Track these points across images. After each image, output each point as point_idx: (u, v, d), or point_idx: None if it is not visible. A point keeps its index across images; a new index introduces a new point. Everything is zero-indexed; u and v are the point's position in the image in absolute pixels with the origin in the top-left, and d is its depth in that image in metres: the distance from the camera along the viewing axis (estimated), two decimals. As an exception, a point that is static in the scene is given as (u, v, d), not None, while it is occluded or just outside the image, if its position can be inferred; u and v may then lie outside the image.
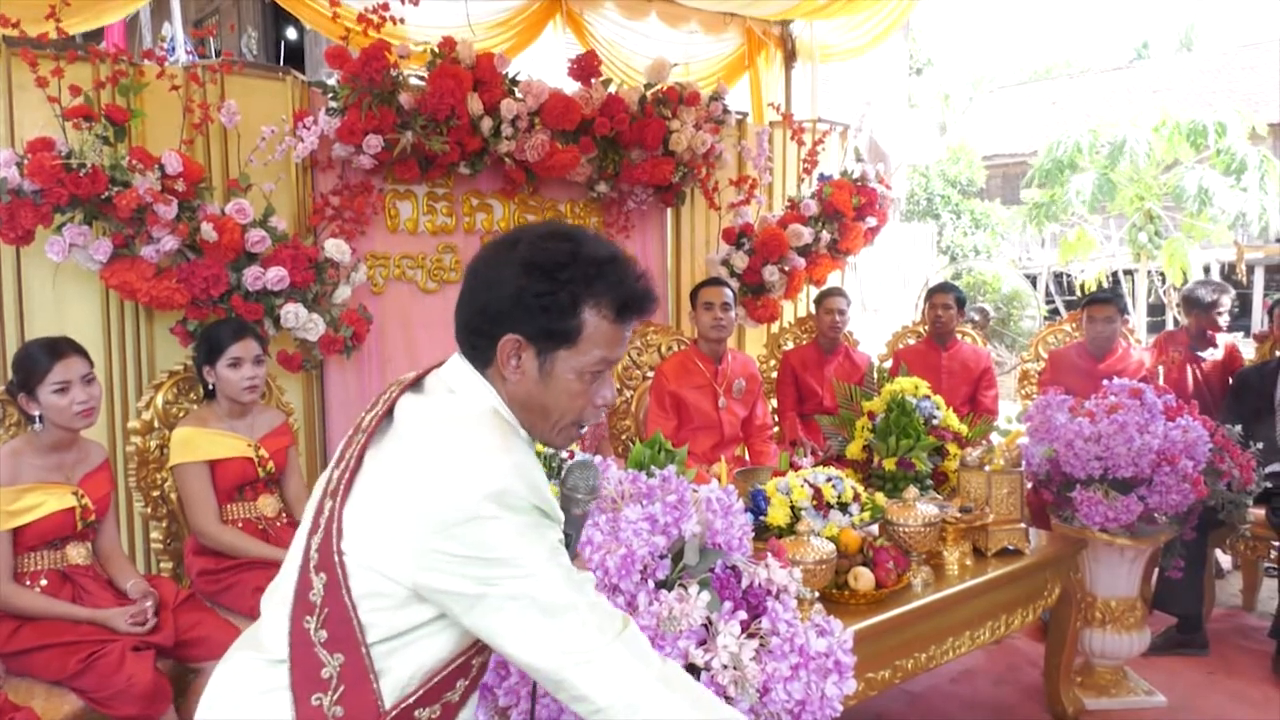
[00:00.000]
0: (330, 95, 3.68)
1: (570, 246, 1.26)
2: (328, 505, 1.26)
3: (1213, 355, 4.53)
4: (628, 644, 1.18)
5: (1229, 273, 12.86)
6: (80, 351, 2.49)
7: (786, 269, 4.82)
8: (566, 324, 1.24)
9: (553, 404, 1.28)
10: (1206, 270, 12.30)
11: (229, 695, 1.30)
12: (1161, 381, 4.48)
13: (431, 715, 1.28)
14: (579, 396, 1.29)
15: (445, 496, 1.15)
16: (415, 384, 1.35)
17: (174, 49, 5.23)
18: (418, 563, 1.17)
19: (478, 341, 1.28)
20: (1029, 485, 3.17)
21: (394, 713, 1.23)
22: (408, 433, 1.27)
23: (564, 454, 2.82)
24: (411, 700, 1.24)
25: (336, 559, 1.22)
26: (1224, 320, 4.54)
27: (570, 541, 1.36)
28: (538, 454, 2.78)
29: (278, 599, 1.29)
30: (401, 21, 3.64)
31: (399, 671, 1.23)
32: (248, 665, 1.30)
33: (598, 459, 2.02)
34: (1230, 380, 4.34)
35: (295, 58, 8.25)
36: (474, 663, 1.31)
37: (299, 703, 1.23)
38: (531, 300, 1.23)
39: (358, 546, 1.22)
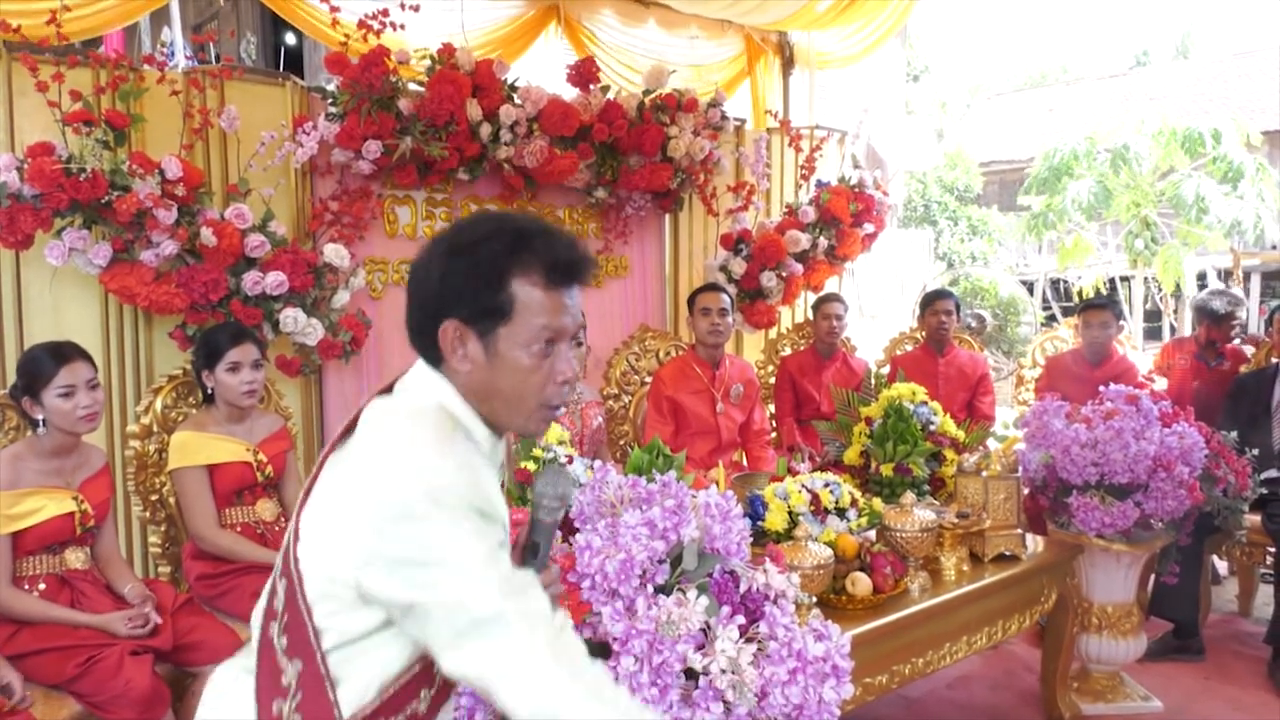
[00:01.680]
0: (330, 100, 3.69)
1: (491, 224, 1.25)
2: (294, 513, 1.26)
3: (1219, 364, 4.53)
4: (558, 655, 1.13)
5: (1225, 279, 12.90)
6: (85, 356, 2.49)
7: (784, 275, 4.84)
8: (496, 299, 1.21)
9: (508, 387, 1.24)
10: (1202, 276, 12.34)
11: (213, 701, 1.31)
12: (1165, 388, 4.49)
13: None
14: (533, 374, 1.24)
15: (380, 493, 1.13)
16: (388, 388, 1.33)
17: (173, 54, 5.23)
18: (356, 562, 1.14)
19: (424, 340, 1.25)
20: (1026, 491, 3.18)
21: None
22: (359, 434, 1.25)
23: (562, 457, 2.83)
24: (370, 711, 1.21)
25: (294, 564, 1.20)
26: (1236, 334, 4.56)
27: (539, 550, 1.32)
28: (535, 458, 2.80)
29: (259, 607, 1.29)
30: (402, 28, 3.66)
31: (355, 680, 1.21)
32: (230, 672, 1.31)
33: (597, 464, 2.03)
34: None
35: (294, 63, 8.25)
36: (435, 671, 1.25)
37: (261, 709, 1.22)
38: (457, 280, 1.21)
39: (310, 550, 1.20)
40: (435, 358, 1.26)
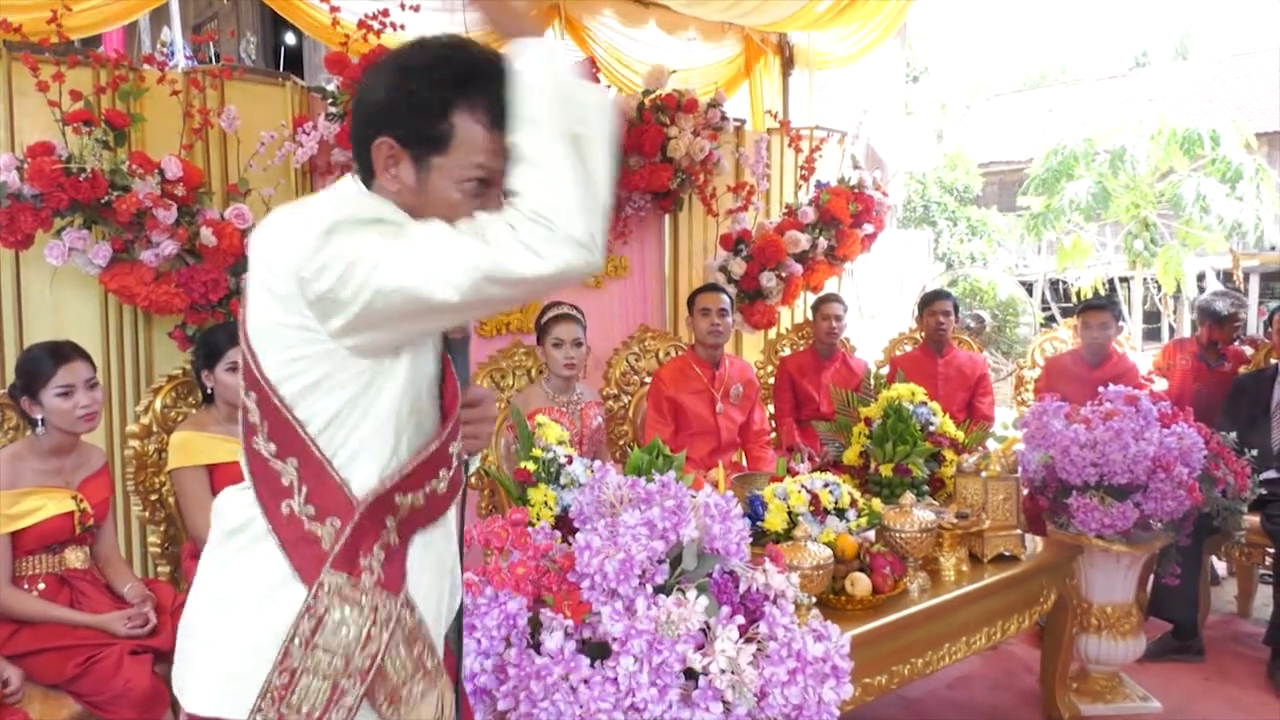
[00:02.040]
0: (330, 100, 3.69)
1: (448, 49, 1.22)
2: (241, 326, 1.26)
3: (1220, 365, 4.53)
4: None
5: (1225, 280, 12.92)
6: (84, 356, 2.49)
7: (784, 275, 4.84)
8: (437, 127, 1.19)
9: (433, 216, 1.20)
10: (1202, 277, 12.34)
11: (216, 520, 1.30)
12: (1165, 389, 4.50)
13: (415, 503, 1.26)
14: (460, 209, 1.20)
15: (292, 245, 1.14)
16: None
17: (173, 54, 5.23)
18: (298, 297, 1.14)
19: (359, 152, 1.24)
20: (1025, 491, 3.18)
21: (371, 500, 1.21)
22: None
23: (561, 458, 2.83)
24: (398, 481, 1.22)
25: (257, 373, 1.20)
26: (1237, 335, 4.55)
27: (457, 369, 1.31)
28: (535, 457, 2.80)
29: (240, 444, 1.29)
30: (402, 28, 3.66)
31: (361, 460, 1.21)
32: (212, 543, 1.30)
33: (597, 464, 2.03)
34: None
35: (294, 63, 8.25)
36: (450, 450, 1.28)
37: (269, 512, 1.22)
38: (401, 100, 1.19)
39: (261, 346, 1.20)
40: (367, 172, 1.25)
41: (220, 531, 1.28)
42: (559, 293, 4.37)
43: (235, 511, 1.26)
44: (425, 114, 1.19)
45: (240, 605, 1.23)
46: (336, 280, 1.11)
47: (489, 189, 1.24)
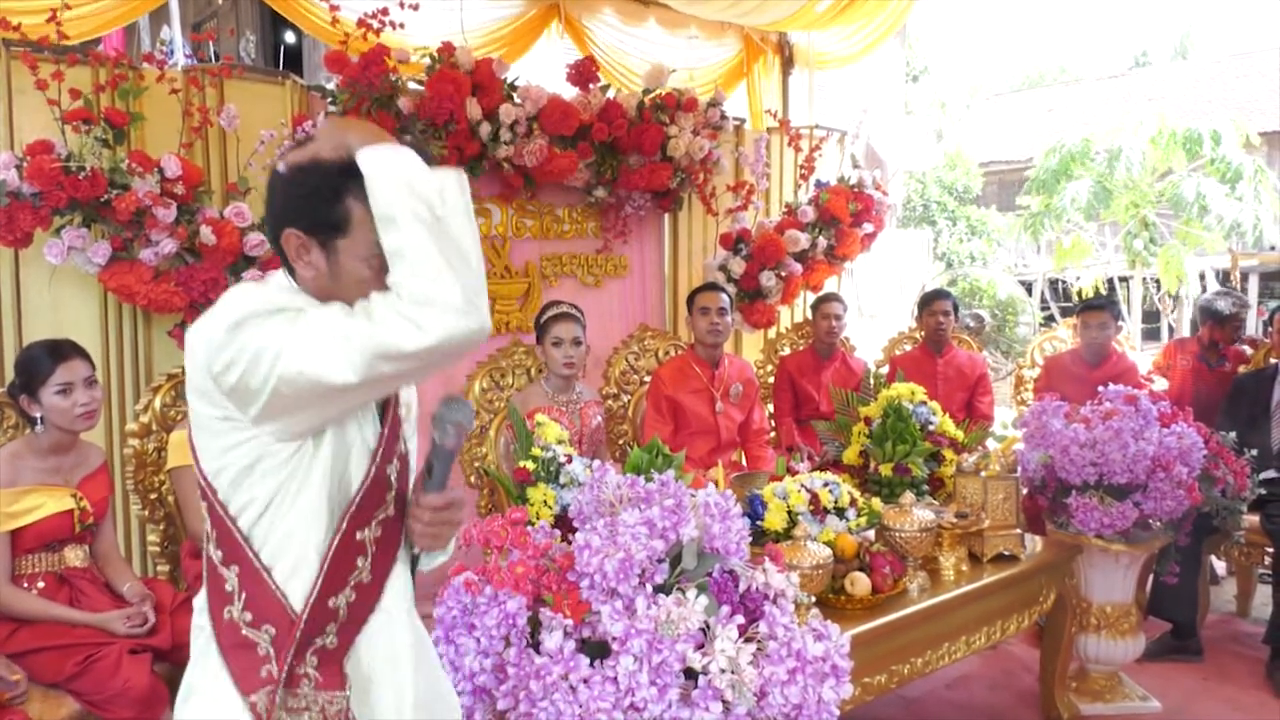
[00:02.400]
0: (329, 99, 3.68)
1: (328, 150, 1.28)
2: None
3: (1220, 365, 4.52)
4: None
5: (1224, 280, 12.92)
6: (82, 354, 2.49)
7: (783, 275, 4.84)
8: (334, 211, 1.25)
9: (348, 296, 1.26)
10: (1202, 277, 12.34)
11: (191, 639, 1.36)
12: (1165, 388, 4.49)
13: (349, 600, 1.31)
14: (373, 284, 1.26)
15: (202, 343, 1.20)
16: None
17: (173, 52, 5.22)
18: (222, 410, 1.22)
19: (276, 249, 1.31)
20: (1025, 491, 3.18)
21: (307, 611, 1.27)
22: None
23: (561, 457, 2.83)
24: (317, 589, 1.27)
25: (201, 477, 1.28)
26: (1239, 335, 4.55)
27: (434, 471, 1.36)
28: (535, 456, 2.80)
29: None
30: (401, 27, 3.66)
31: (285, 558, 1.27)
32: (194, 625, 1.36)
33: (596, 463, 2.02)
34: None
35: (294, 62, 8.25)
36: (360, 536, 1.32)
37: (215, 620, 1.30)
38: (295, 192, 1.27)
39: (201, 443, 1.27)
40: (289, 268, 1.32)
41: (195, 625, 1.36)
42: (559, 292, 4.38)
43: (198, 612, 1.35)
44: (321, 202, 1.26)
45: (189, 711, 1.32)
46: (244, 372, 1.17)
47: None
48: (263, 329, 1.17)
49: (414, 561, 1.44)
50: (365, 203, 1.24)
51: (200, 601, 1.34)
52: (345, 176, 1.24)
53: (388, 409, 1.37)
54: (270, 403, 1.18)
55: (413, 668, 1.37)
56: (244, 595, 1.28)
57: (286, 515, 1.27)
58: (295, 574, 1.27)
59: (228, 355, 1.17)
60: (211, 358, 1.18)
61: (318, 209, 1.26)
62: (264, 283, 1.32)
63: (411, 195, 1.17)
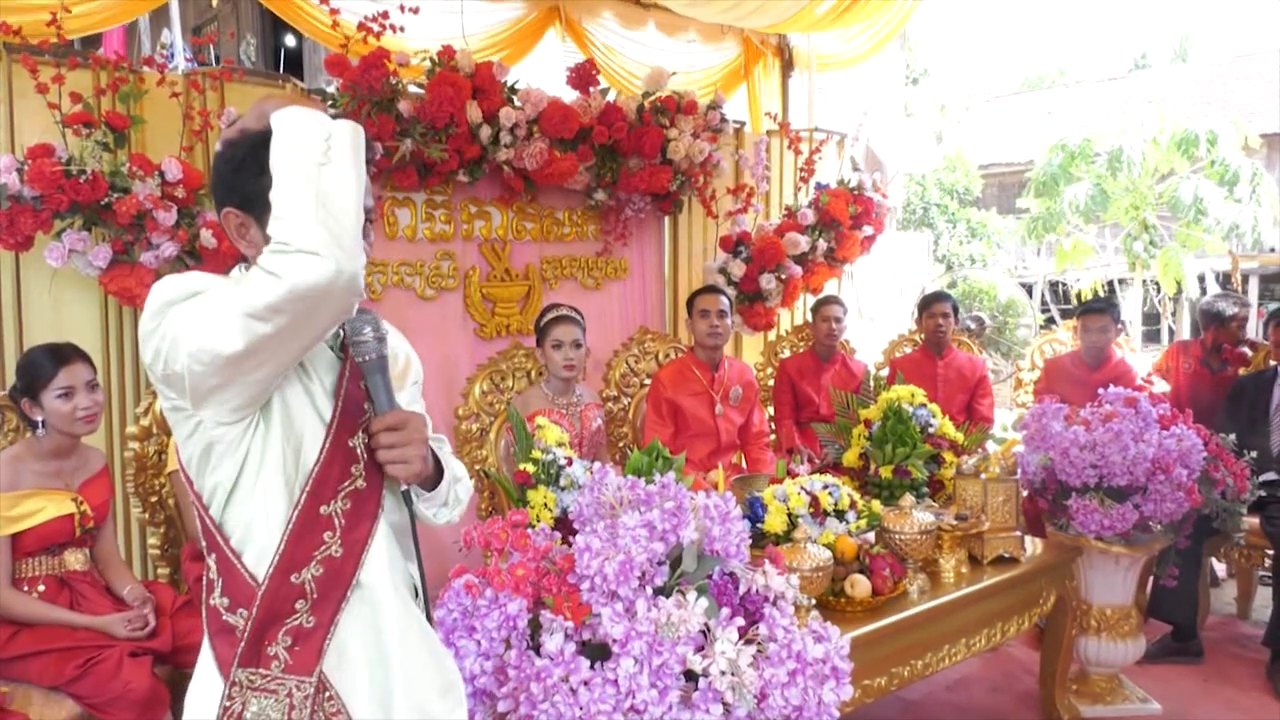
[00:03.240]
0: (330, 103, 3.69)
1: (250, 125, 1.28)
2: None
3: (1222, 370, 4.51)
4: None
5: (1224, 282, 12.93)
6: (84, 357, 2.50)
7: (783, 277, 4.84)
8: (258, 183, 1.23)
9: None
10: (1201, 280, 12.35)
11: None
12: (1167, 390, 4.49)
13: (315, 575, 1.28)
14: None
15: (140, 338, 1.23)
16: None
17: (173, 56, 5.23)
18: (171, 401, 1.25)
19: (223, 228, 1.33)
20: (1025, 493, 3.18)
21: (266, 584, 1.26)
22: None
23: (561, 459, 2.84)
24: (275, 563, 1.26)
25: (180, 468, 1.32)
26: (1242, 336, 4.53)
27: (370, 395, 1.34)
28: (535, 459, 2.80)
29: None
30: (401, 30, 3.66)
31: (253, 543, 1.28)
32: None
33: (596, 465, 2.03)
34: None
35: (294, 65, 8.27)
36: (324, 511, 1.30)
37: (206, 609, 1.31)
38: (225, 168, 1.28)
39: (175, 436, 1.30)
40: (236, 247, 1.34)
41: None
42: (559, 295, 4.39)
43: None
44: (248, 174, 1.25)
45: (189, 703, 1.33)
46: (166, 359, 1.20)
47: None
48: (177, 312, 1.19)
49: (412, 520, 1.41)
50: None
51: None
52: (267, 145, 1.22)
53: (341, 382, 1.35)
54: (194, 385, 1.19)
55: (399, 645, 1.32)
56: (221, 581, 1.29)
57: (249, 499, 1.27)
58: (263, 557, 1.27)
59: (153, 345, 1.20)
60: (144, 350, 1.22)
61: (246, 182, 1.26)
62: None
63: (297, 150, 1.16)
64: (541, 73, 4.57)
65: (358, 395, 1.37)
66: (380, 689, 1.30)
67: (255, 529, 1.27)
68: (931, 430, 3.30)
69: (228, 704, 1.24)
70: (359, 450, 1.34)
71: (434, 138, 3.74)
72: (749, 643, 1.63)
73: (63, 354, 2.46)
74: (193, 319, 1.17)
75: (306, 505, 1.29)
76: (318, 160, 1.16)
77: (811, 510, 2.66)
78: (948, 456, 3.28)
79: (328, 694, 1.26)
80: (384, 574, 1.34)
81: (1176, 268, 10.41)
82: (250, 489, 1.27)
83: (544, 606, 1.73)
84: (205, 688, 1.29)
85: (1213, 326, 4.54)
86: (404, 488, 1.38)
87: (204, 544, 1.31)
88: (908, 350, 5.06)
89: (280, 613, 1.27)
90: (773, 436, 4.43)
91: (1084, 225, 11.35)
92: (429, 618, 1.43)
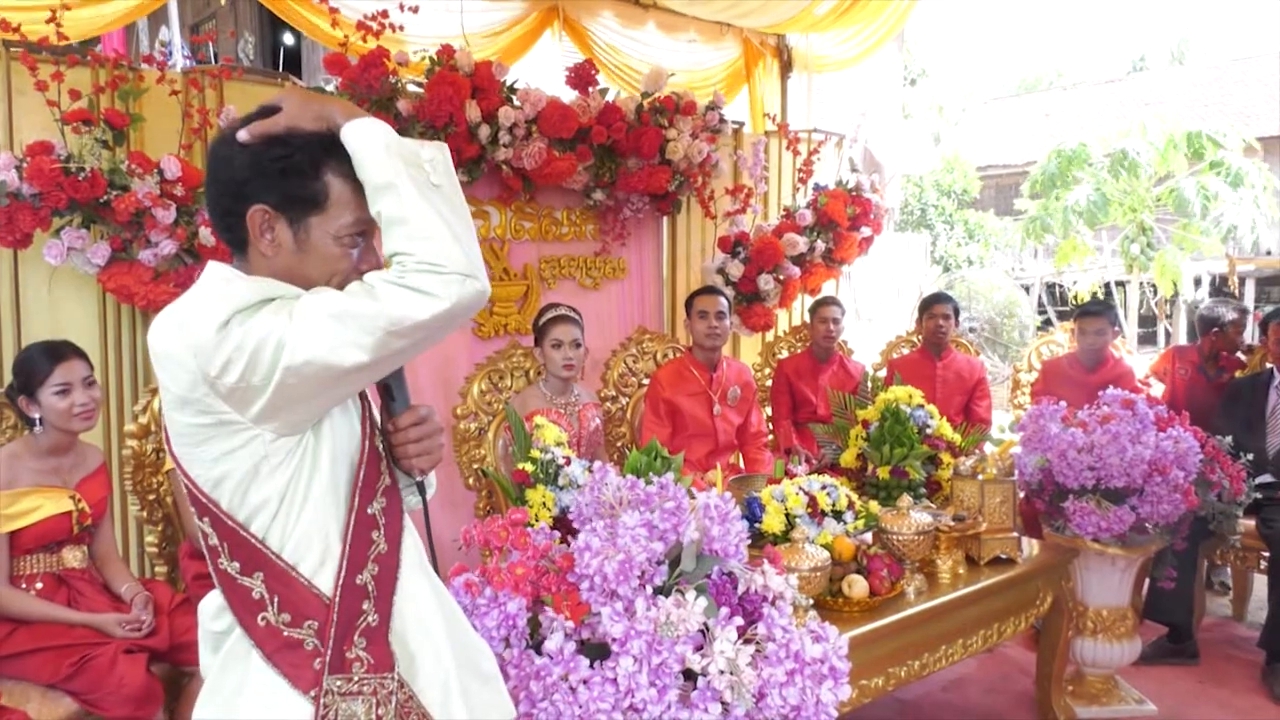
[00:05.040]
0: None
1: (298, 124, 1.25)
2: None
3: (1219, 376, 4.50)
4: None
5: (1221, 285, 12.95)
6: (81, 355, 2.50)
7: (781, 278, 4.85)
8: (310, 187, 1.22)
9: (315, 274, 1.26)
10: (1198, 282, 12.38)
11: (205, 687, 1.32)
12: (1163, 395, 4.49)
13: (374, 574, 1.29)
14: (341, 262, 1.26)
15: (186, 349, 1.15)
16: None
17: (172, 54, 5.23)
18: (215, 417, 1.18)
19: (231, 222, 1.26)
20: (1022, 494, 3.19)
21: (339, 593, 1.25)
22: None
23: (559, 459, 2.84)
24: (344, 570, 1.25)
25: (198, 492, 1.24)
26: (1240, 341, 4.51)
27: (391, 391, 1.35)
28: (533, 458, 2.80)
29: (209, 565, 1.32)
30: (401, 29, 3.66)
31: (310, 552, 1.25)
32: (204, 646, 1.34)
33: (596, 465, 2.03)
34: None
35: (293, 64, 8.26)
36: (370, 511, 1.30)
37: (250, 629, 1.25)
38: (269, 166, 1.22)
39: (188, 458, 1.24)
40: (239, 241, 1.28)
41: (207, 632, 1.33)
42: (557, 294, 4.39)
43: (216, 617, 1.31)
44: (299, 177, 1.22)
45: None
46: (245, 369, 1.14)
47: (366, 239, 1.30)
48: (255, 322, 1.14)
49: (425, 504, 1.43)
50: (344, 177, 1.23)
51: (213, 608, 1.31)
52: (325, 150, 1.22)
53: None
54: (274, 397, 1.15)
55: (443, 622, 1.35)
56: (276, 599, 1.24)
57: (302, 509, 1.24)
58: (324, 565, 1.25)
59: (223, 355, 1.13)
60: (206, 362, 1.14)
61: (295, 184, 1.23)
62: (207, 279, 1.25)
63: (407, 164, 1.17)
64: (541, 72, 4.58)
65: (373, 392, 1.38)
66: (440, 674, 1.32)
67: (311, 539, 1.25)
68: (929, 431, 3.31)
69: (323, 713, 1.23)
70: (381, 448, 1.36)
71: (433, 137, 3.74)
72: (747, 642, 1.63)
73: (59, 351, 2.46)
74: (301, 329, 1.14)
75: (359, 506, 1.29)
76: (430, 177, 1.17)
77: (809, 511, 2.66)
78: (945, 457, 3.29)
79: (404, 688, 1.28)
80: (411, 553, 1.36)
81: (1172, 270, 10.44)
82: (302, 499, 1.24)
83: (543, 605, 1.74)
84: (273, 705, 1.23)
85: (1211, 332, 4.51)
86: (419, 478, 1.39)
87: (237, 565, 1.25)
88: (905, 351, 5.07)
89: (353, 614, 1.26)
90: (770, 437, 4.43)
91: (1081, 229, 11.37)
92: None
